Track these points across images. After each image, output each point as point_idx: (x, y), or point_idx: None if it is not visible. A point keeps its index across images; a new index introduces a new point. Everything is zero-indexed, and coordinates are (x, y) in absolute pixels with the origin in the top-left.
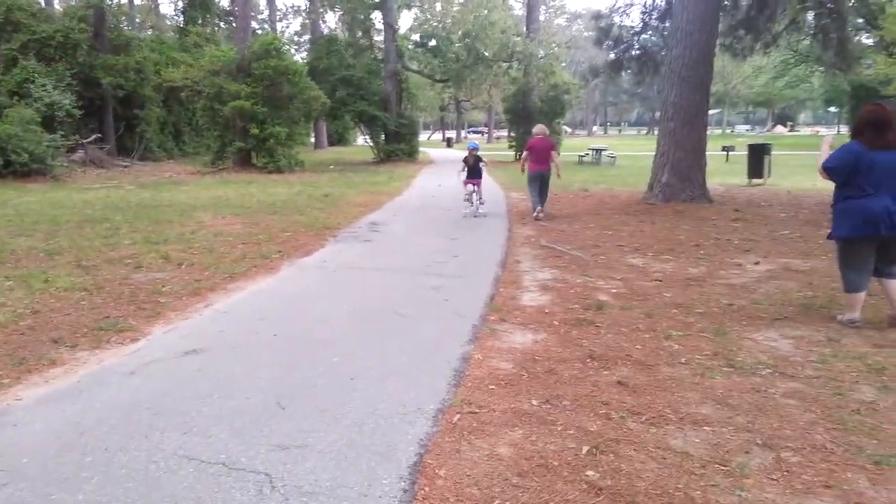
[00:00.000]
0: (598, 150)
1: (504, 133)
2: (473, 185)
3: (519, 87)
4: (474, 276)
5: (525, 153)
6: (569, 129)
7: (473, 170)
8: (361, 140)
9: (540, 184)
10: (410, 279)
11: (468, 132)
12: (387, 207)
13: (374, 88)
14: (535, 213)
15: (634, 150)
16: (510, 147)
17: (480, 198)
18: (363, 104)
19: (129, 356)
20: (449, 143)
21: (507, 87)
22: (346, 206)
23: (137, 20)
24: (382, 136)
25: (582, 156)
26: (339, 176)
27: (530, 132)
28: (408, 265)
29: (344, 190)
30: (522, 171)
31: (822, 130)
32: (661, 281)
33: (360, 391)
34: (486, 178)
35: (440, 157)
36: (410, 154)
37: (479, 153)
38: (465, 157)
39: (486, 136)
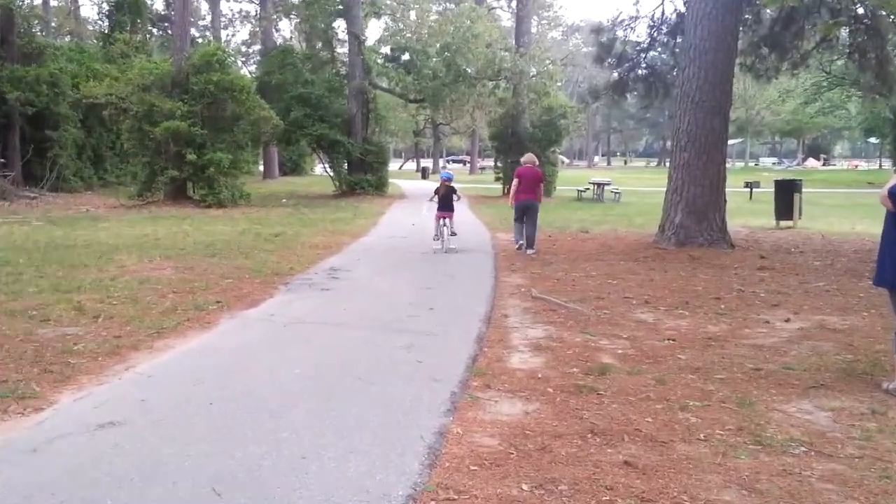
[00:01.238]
0: (601, 185)
1: (490, 163)
2: (443, 217)
3: (507, 110)
4: (453, 334)
5: (513, 184)
6: (566, 160)
7: (445, 201)
8: (320, 169)
9: (526, 214)
10: (377, 336)
11: (447, 161)
12: (349, 250)
13: (335, 109)
14: (517, 245)
15: (643, 185)
16: (497, 179)
17: (450, 229)
18: (322, 127)
19: (30, 430)
20: (424, 173)
21: (494, 109)
22: (301, 248)
23: (53, 25)
24: (345, 165)
25: (581, 191)
26: (292, 212)
27: (520, 162)
28: (374, 319)
29: (298, 229)
30: (512, 204)
31: (862, 165)
32: (674, 340)
33: (313, 474)
34: (468, 215)
35: (414, 189)
36: (379, 186)
37: (455, 184)
38: (437, 188)
39: (468, 165)
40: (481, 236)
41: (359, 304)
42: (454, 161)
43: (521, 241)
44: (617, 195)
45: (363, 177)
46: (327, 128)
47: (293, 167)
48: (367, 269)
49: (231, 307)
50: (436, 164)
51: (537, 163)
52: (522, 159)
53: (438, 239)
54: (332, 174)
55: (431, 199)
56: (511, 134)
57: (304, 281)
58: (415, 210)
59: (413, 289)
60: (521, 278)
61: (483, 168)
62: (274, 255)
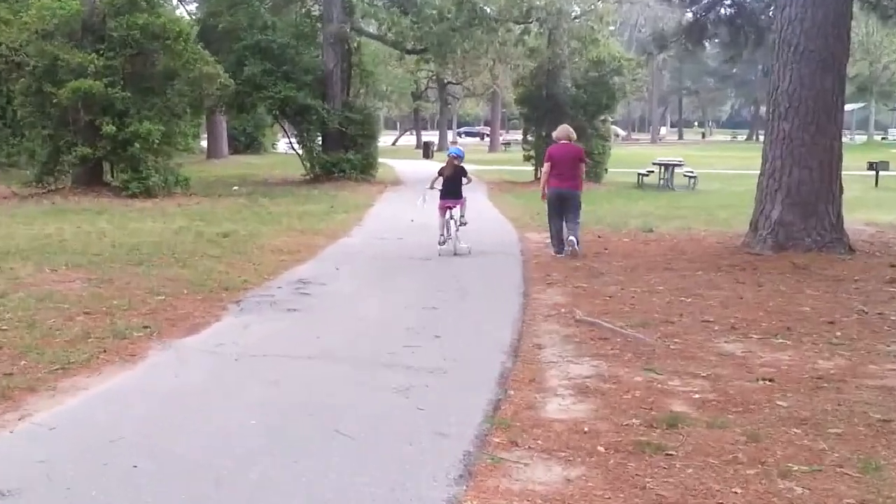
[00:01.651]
0: (669, 166)
1: (517, 137)
2: (450, 207)
3: (540, 64)
4: (467, 371)
5: (546, 166)
6: (621, 133)
7: (451, 185)
8: (284, 146)
9: (562, 208)
10: (362, 375)
11: (458, 135)
12: (325, 255)
13: (305, 63)
14: (556, 250)
15: (727, 167)
16: (527, 159)
17: (458, 221)
18: (288, 87)
19: None
20: (427, 150)
21: (522, 62)
22: (259, 252)
23: None
24: (319, 140)
25: (643, 174)
26: (247, 203)
27: (553, 138)
28: (358, 351)
29: (255, 226)
30: (544, 195)
31: None
32: (772, 381)
33: None
34: (488, 208)
35: (413, 173)
36: (364, 168)
37: (465, 164)
38: (442, 168)
39: (486, 140)
40: (506, 237)
41: (338, 331)
42: (468, 134)
43: (560, 245)
44: (692, 180)
45: (343, 156)
46: (294, 89)
47: (248, 143)
48: (348, 281)
49: (163, 334)
50: (443, 137)
51: (575, 137)
52: (556, 134)
53: (444, 238)
54: (300, 152)
55: (432, 186)
56: (546, 97)
57: (263, 298)
58: (415, 201)
59: (412, 309)
60: (561, 294)
61: (507, 144)
62: (222, 263)
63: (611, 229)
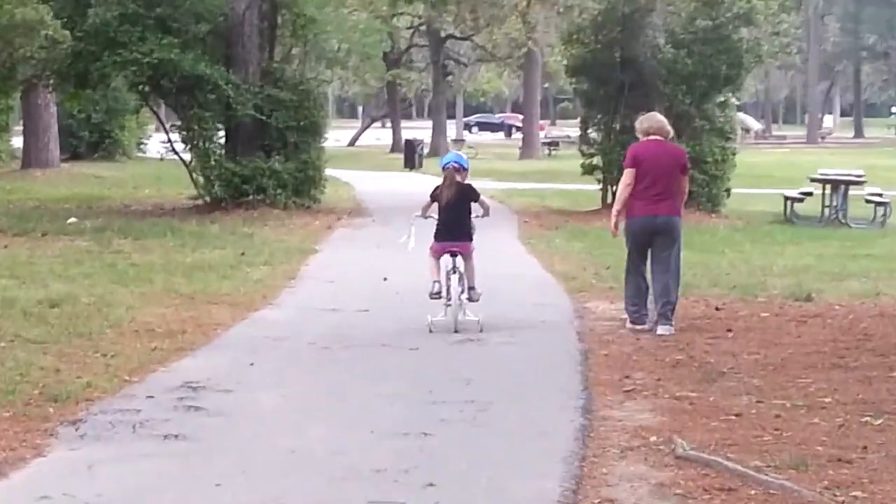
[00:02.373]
0: (841, 185)
1: (570, 131)
2: (453, 253)
3: (611, 6)
4: None
5: (626, 176)
6: (754, 127)
7: (453, 217)
8: (158, 147)
9: (654, 247)
10: None
11: (467, 128)
12: (230, 340)
13: (196, 4)
14: (634, 318)
15: None
16: (588, 171)
17: (468, 283)
18: (165, 46)
19: None
20: (412, 154)
21: (579, 1)
22: (115, 334)
23: None
24: (221, 137)
25: (793, 198)
26: (94, 249)
27: (636, 135)
28: None
29: (109, 289)
30: (615, 228)
31: None
32: None
33: None
34: (519, 254)
35: (387, 195)
36: (301, 187)
37: (470, 181)
38: (437, 189)
39: (516, 136)
40: (552, 308)
41: (252, 477)
42: (484, 127)
43: (642, 311)
44: (881, 210)
45: (264, 165)
46: (177, 48)
47: (95, 143)
48: (271, 385)
49: None
50: (439, 132)
51: (672, 133)
52: (641, 125)
53: (442, 299)
54: (187, 159)
55: (425, 214)
56: (621, 63)
57: (120, 415)
58: (389, 241)
59: (385, 436)
60: (650, 410)
61: (553, 144)
62: (48, 354)
63: (738, 295)
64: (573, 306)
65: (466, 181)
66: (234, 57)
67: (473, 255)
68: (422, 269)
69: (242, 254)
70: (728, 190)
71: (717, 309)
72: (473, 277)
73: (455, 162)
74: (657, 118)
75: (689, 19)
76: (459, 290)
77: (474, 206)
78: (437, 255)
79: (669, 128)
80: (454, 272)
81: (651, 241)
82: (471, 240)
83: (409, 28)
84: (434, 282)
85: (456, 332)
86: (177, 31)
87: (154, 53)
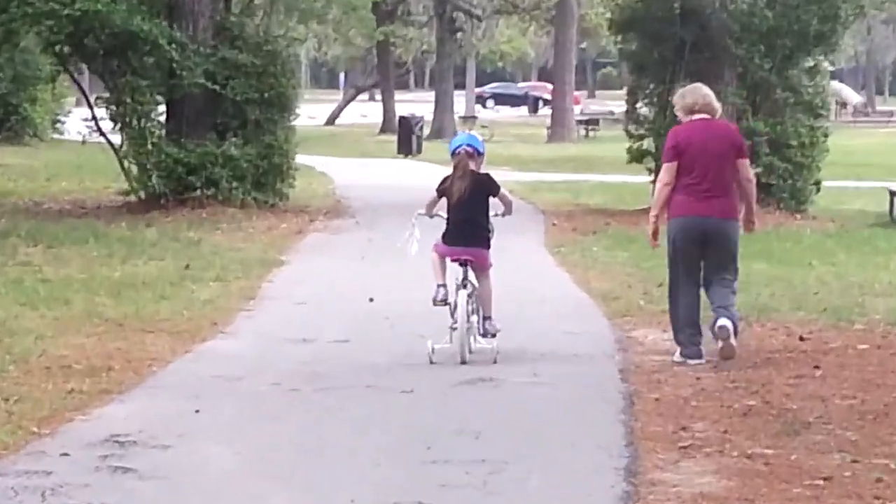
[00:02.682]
0: None
1: (615, 106)
2: (463, 262)
3: None
4: None
5: (664, 173)
6: (853, 100)
7: (466, 216)
8: (81, 126)
9: (706, 256)
10: None
11: (481, 100)
12: (168, 379)
13: None
14: (688, 351)
15: None
16: (637, 158)
17: (480, 314)
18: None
19: None
20: (408, 138)
21: None
22: (19, 371)
23: None
24: (162, 115)
25: None
26: None
27: (677, 114)
28: None
29: (14, 311)
30: (656, 235)
31: None
32: None
33: None
34: (546, 268)
35: (377, 190)
36: (264, 179)
37: (488, 168)
38: (445, 180)
39: (542, 111)
40: (584, 329)
41: None
42: (498, 99)
43: (696, 340)
44: None
45: (215, 150)
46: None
47: None
48: (222, 439)
49: None
50: (444, 108)
51: (719, 109)
52: (682, 101)
53: (444, 288)
54: (118, 143)
55: (431, 213)
56: (681, 16)
57: (25, 480)
58: (377, 251)
59: None
60: (711, 468)
61: (592, 123)
62: None
63: (828, 321)
64: (615, 335)
65: (483, 170)
66: (178, 8)
67: (490, 272)
68: (419, 287)
69: (187, 266)
70: (818, 183)
71: (801, 339)
72: (489, 305)
73: (468, 145)
74: (702, 91)
75: None
76: (470, 310)
77: (493, 201)
78: (439, 259)
79: (718, 104)
80: (464, 286)
81: (702, 246)
82: (488, 247)
83: None
84: (439, 286)
85: (464, 363)
86: None
87: (76, 3)
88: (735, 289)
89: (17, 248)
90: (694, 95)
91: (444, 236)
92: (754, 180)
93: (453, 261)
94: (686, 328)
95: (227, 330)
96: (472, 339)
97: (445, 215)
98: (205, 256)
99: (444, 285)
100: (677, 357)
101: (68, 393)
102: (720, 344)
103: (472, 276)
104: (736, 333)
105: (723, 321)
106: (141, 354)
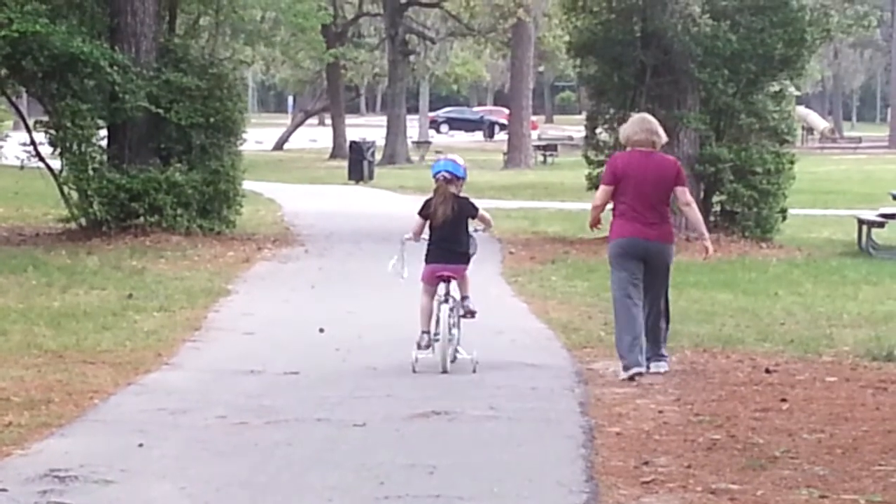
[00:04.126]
0: None
1: (573, 131)
2: (446, 279)
3: None
4: None
5: (599, 194)
6: (820, 126)
7: (449, 236)
8: (19, 150)
9: (642, 276)
10: None
11: (434, 125)
12: (111, 412)
13: None
14: (628, 362)
15: None
16: (594, 184)
17: (461, 308)
18: (27, 18)
19: None
20: (359, 164)
21: None
22: None
23: None
24: (103, 139)
25: (871, 222)
26: None
27: (622, 142)
28: None
29: None
30: (594, 222)
31: None
32: None
33: None
34: (494, 289)
35: (326, 217)
36: (209, 206)
37: (467, 194)
38: (427, 204)
39: (498, 136)
40: (543, 362)
41: None
42: (453, 123)
43: (636, 350)
44: None
45: (159, 175)
46: (45, 18)
47: None
48: (167, 475)
49: None
50: (396, 132)
51: (663, 139)
52: (625, 132)
53: (429, 338)
54: (58, 168)
55: (418, 238)
56: (642, 39)
57: None
58: (327, 279)
59: None
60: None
61: (550, 148)
62: None
63: (795, 353)
64: (574, 367)
65: (464, 196)
66: (121, 29)
67: (467, 277)
68: (370, 316)
69: (130, 296)
70: (784, 211)
71: (767, 371)
72: (467, 287)
73: (447, 171)
74: (645, 124)
75: None
76: (451, 323)
77: (472, 222)
78: (431, 282)
79: (661, 135)
80: (445, 301)
81: (634, 265)
82: (467, 263)
83: None
84: (423, 332)
85: (445, 371)
86: None
87: (13, 24)
88: (668, 305)
89: None
90: (635, 127)
91: (426, 257)
92: (693, 204)
93: (437, 277)
94: (626, 336)
95: (171, 361)
96: (452, 349)
97: (426, 238)
98: (148, 285)
99: (428, 332)
100: (622, 375)
101: (6, 426)
102: (658, 365)
103: (453, 290)
104: (660, 350)
105: (662, 366)
106: (82, 387)
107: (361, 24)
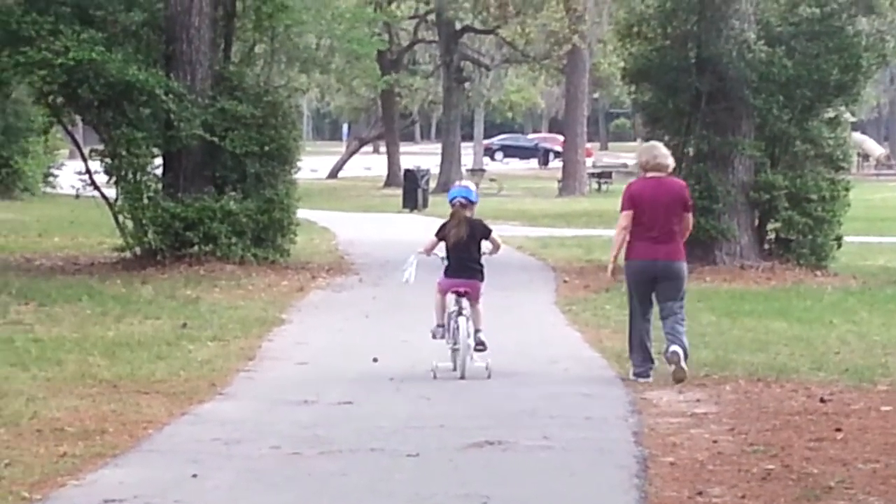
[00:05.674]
0: None
1: (626, 159)
2: (461, 294)
3: None
4: None
5: (622, 219)
6: (877, 152)
7: (463, 256)
8: (75, 179)
9: (658, 293)
10: None
11: (489, 153)
12: (165, 442)
13: None
14: (639, 370)
15: None
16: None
17: (476, 331)
18: (85, 42)
19: None
20: (413, 192)
21: None
22: (12, 435)
23: None
24: (158, 168)
25: None
26: None
27: (643, 167)
28: None
29: (4, 372)
30: (614, 273)
31: None
32: None
33: None
34: (546, 320)
35: (381, 245)
36: (264, 235)
37: (482, 217)
38: (443, 227)
39: (552, 163)
40: (597, 392)
41: None
42: (507, 151)
43: (647, 363)
44: None
45: (214, 204)
46: (101, 46)
47: None
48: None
49: None
50: (451, 160)
51: (672, 165)
52: (639, 158)
53: (449, 341)
54: (113, 197)
55: (428, 253)
56: (698, 66)
57: None
58: (382, 309)
59: None
60: None
61: (604, 176)
62: None
63: (850, 382)
64: (628, 397)
65: (477, 219)
66: (176, 57)
67: (481, 299)
68: (424, 346)
69: (184, 325)
70: (839, 238)
71: (822, 401)
72: (479, 321)
73: (462, 196)
74: (656, 151)
75: (790, 6)
76: (468, 333)
77: (484, 244)
78: (445, 291)
79: (671, 161)
80: (460, 314)
81: (654, 284)
82: (482, 279)
83: (412, 17)
84: (438, 325)
85: (462, 378)
86: (101, 23)
87: (70, 52)
88: (683, 318)
89: (8, 307)
90: (647, 155)
91: (445, 272)
92: (689, 228)
93: (453, 292)
94: (638, 351)
95: (225, 391)
96: (466, 359)
97: (442, 255)
98: (202, 315)
99: (443, 325)
100: (631, 375)
101: (60, 457)
102: (672, 368)
103: (466, 305)
104: (686, 358)
105: (674, 347)
106: (136, 417)
107: (416, 50)
